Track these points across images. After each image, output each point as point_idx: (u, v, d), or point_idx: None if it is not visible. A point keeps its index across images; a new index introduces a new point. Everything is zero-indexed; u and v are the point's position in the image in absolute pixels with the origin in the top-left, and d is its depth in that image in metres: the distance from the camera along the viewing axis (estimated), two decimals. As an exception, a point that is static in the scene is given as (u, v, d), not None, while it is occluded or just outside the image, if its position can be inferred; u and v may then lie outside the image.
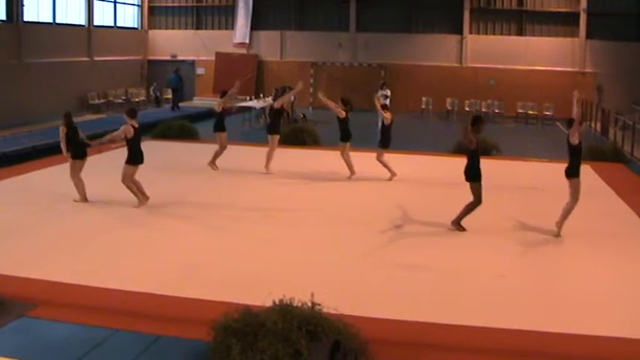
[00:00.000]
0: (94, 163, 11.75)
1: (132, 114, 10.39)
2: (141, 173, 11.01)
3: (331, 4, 29.64)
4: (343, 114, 12.60)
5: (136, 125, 10.25)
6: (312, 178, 13.02)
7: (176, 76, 26.98)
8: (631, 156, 16.58)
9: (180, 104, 27.75)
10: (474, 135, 9.28)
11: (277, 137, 13.23)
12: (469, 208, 9.44)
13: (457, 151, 16.01)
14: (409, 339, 5.98)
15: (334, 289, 6.59)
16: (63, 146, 10.62)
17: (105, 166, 12.44)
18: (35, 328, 5.92)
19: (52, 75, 23.57)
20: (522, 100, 26.56)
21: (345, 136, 12.79)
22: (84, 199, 10.56)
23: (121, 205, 10.55)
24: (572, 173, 9.24)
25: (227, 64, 29.63)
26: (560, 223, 9.28)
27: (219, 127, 13.25)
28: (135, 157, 10.28)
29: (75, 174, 10.51)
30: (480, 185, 9.30)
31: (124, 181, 10.34)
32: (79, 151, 10.55)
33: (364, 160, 13.15)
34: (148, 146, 12.65)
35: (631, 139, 17.36)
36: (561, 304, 6.80)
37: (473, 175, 9.31)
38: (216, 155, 13.18)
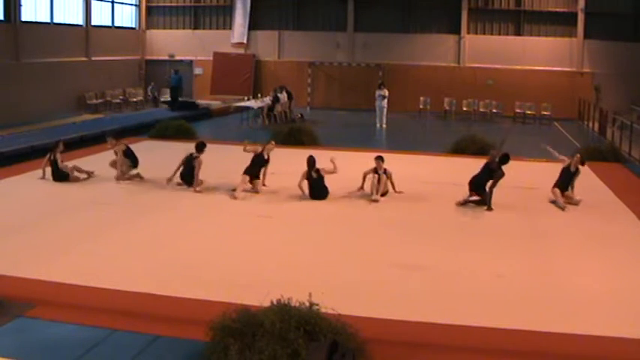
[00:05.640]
0: (89, 165, 11.73)
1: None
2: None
3: (329, 4, 29.61)
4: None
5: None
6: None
7: (176, 76, 27.11)
8: (629, 156, 16.59)
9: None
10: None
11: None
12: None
13: (454, 151, 16.13)
14: (407, 339, 5.98)
15: (332, 289, 6.58)
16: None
17: (104, 168, 12.55)
18: (33, 328, 5.91)
19: (49, 75, 23.52)
20: (520, 100, 26.53)
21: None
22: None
23: (119, 205, 10.55)
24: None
25: (225, 64, 29.62)
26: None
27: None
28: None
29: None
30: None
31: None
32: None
33: (363, 160, 13.11)
34: (146, 146, 12.69)
35: (629, 138, 17.38)
36: (561, 304, 6.80)
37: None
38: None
